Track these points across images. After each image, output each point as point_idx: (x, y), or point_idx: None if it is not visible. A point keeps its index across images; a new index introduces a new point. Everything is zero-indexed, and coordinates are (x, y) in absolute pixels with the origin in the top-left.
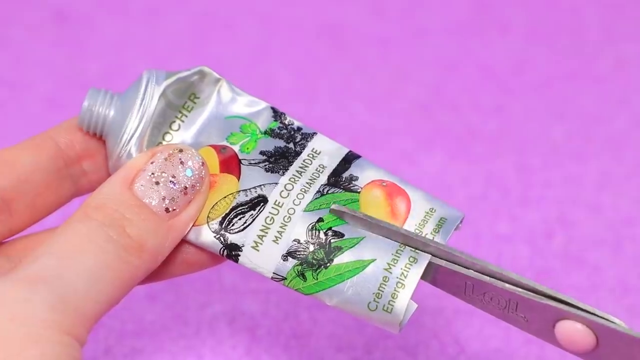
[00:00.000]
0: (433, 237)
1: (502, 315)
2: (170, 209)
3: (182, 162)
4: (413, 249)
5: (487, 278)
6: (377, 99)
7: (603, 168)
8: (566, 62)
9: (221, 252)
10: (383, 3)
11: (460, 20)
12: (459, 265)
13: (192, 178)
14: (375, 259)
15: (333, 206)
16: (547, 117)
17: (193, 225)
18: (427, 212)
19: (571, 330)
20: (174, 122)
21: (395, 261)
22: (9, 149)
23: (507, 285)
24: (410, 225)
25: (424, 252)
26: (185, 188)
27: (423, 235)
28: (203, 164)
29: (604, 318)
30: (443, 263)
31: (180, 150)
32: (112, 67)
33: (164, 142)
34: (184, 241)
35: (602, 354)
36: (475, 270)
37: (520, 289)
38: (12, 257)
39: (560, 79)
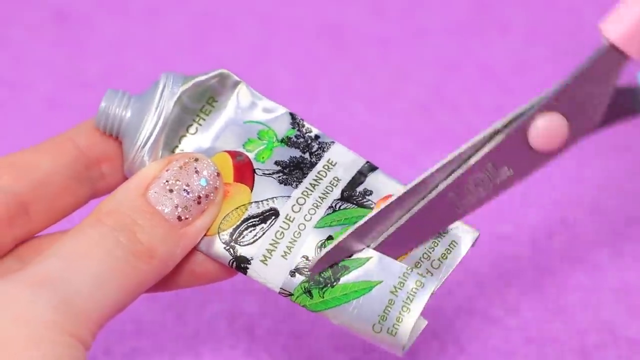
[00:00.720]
0: (439, 265)
1: (494, 190)
2: (182, 218)
3: (197, 171)
4: (420, 274)
5: (457, 173)
6: (377, 99)
7: (603, 168)
8: (566, 62)
9: (230, 264)
10: (383, 3)
11: (460, 20)
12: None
13: (207, 188)
14: (382, 281)
15: (310, 271)
16: None
17: (204, 235)
18: (440, 233)
19: (543, 126)
20: (192, 125)
21: (402, 284)
22: (28, 151)
23: (472, 160)
24: (420, 247)
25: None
26: (199, 197)
27: (430, 261)
28: (218, 174)
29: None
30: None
31: (196, 160)
32: (112, 67)
33: (180, 145)
34: (193, 252)
35: (577, 131)
36: (444, 179)
37: (485, 148)
38: (24, 259)
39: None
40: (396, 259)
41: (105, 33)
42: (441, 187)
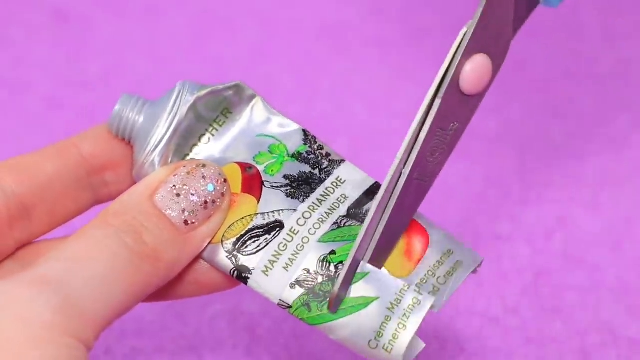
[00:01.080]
0: (445, 281)
1: (449, 148)
2: (189, 222)
3: (204, 177)
4: (417, 290)
5: (414, 154)
6: (377, 99)
7: (603, 168)
8: (566, 62)
9: (231, 273)
10: (383, 3)
11: (460, 20)
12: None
13: (213, 193)
14: (379, 297)
15: (330, 310)
16: (547, 117)
17: (209, 243)
18: (445, 254)
19: (470, 69)
20: (204, 135)
21: (399, 301)
22: (31, 155)
23: (422, 135)
24: (424, 266)
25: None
26: (206, 202)
27: (435, 277)
28: (225, 180)
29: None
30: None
31: (204, 166)
32: (112, 67)
33: (191, 154)
34: (197, 261)
35: (499, 59)
36: (405, 163)
37: (429, 118)
38: (25, 262)
39: (560, 79)
40: (389, 263)
41: (105, 33)
42: (405, 172)
